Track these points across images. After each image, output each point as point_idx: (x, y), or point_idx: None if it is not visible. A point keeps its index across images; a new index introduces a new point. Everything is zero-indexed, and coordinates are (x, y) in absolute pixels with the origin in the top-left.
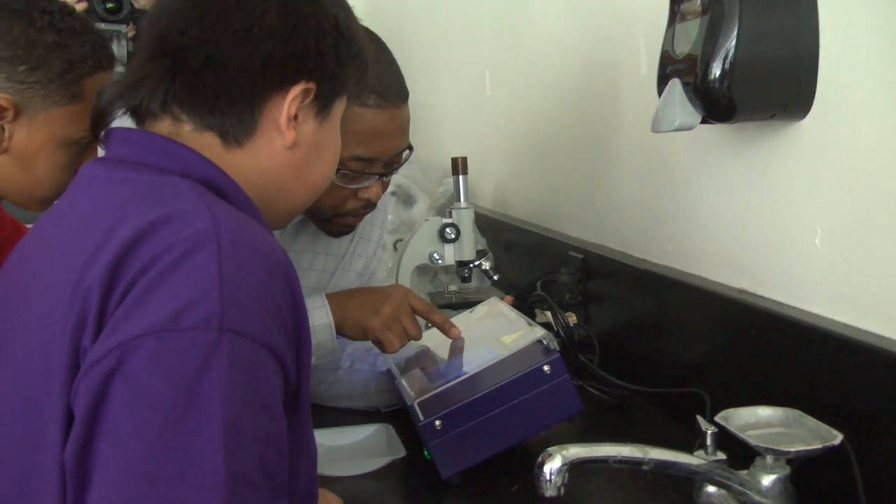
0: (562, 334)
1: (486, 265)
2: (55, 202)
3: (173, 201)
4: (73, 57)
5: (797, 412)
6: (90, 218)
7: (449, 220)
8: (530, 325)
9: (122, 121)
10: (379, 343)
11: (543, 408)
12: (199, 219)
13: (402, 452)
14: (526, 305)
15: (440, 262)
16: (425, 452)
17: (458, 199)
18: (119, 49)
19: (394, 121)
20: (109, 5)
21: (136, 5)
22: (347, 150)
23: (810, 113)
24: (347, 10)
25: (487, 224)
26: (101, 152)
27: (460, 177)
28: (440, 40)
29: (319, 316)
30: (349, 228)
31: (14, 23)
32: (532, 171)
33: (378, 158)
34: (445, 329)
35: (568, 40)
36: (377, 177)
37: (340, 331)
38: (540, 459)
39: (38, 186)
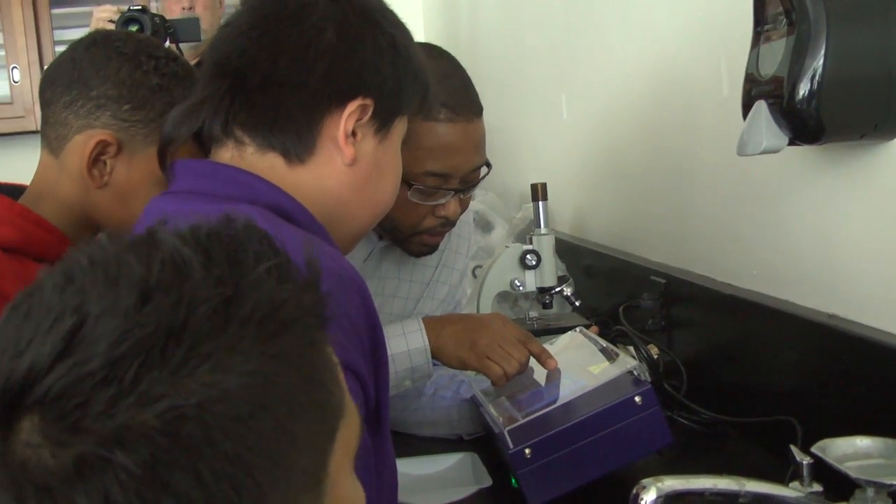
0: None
1: (568, 291)
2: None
3: None
4: (175, 99)
5: None
6: None
7: (529, 247)
8: (620, 355)
9: None
10: (482, 373)
11: (634, 439)
12: None
13: (488, 481)
14: (609, 335)
15: (521, 288)
16: (513, 481)
17: (539, 226)
18: None
19: (466, 135)
20: (133, 28)
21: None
22: (421, 166)
23: None
24: (405, 32)
25: (567, 249)
26: None
27: (540, 203)
28: (515, 66)
29: (415, 340)
30: (430, 248)
31: (123, 65)
32: (611, 195)
33: (452, 174)
34: (542, 359)
35: (646, 63)
36: (453, 193)
37: (437, 357)
38: (635, 491)
39: (132, 222)
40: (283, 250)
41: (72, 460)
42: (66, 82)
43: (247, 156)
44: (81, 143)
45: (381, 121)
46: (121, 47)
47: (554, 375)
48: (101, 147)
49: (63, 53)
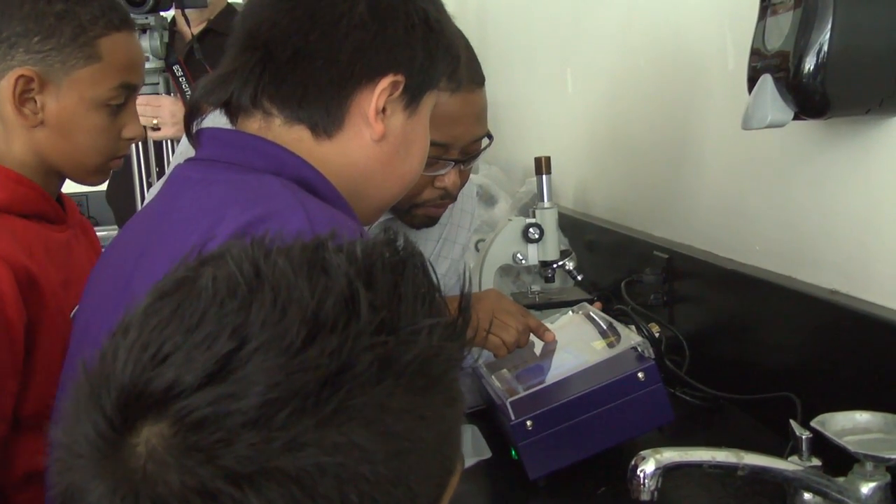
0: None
1: (570, 265)
2: (148, 203)
3: (268, 201)
4: (82, 20)
5: None
6: (187, 220)
7: (532, 220)
8: (623, 331)
9: (217, 119)
10: (481, 346)
11: (635, 415)
12: (294, 217)
13: (487, 453)
14: (611, 314)
15: (523, 262)
16: (512, 453)
17: (542, 199)
18: (152, 41)
19: (467, 105)
20: None
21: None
22: None
23: None
24: (438, 5)
25: (570, 224)
26: (187, 150)
27: (543, 176)
28: (521, 41)
29: None
30: (430, 221)
31: (24, 1)
32: (615, 169)
33: (453, 144)
34: (539, 332)
35: (651, 37)
36: (453, 163)
37: None
38: (633, 462)
39: (84, 154)
40: (434, 279)
41: (200, 491)
42: None
43: (274, 127)
44: (6, 86)
45: (411, 96)
46: None
47: (550, 347)
48: (24, 83)
49: None
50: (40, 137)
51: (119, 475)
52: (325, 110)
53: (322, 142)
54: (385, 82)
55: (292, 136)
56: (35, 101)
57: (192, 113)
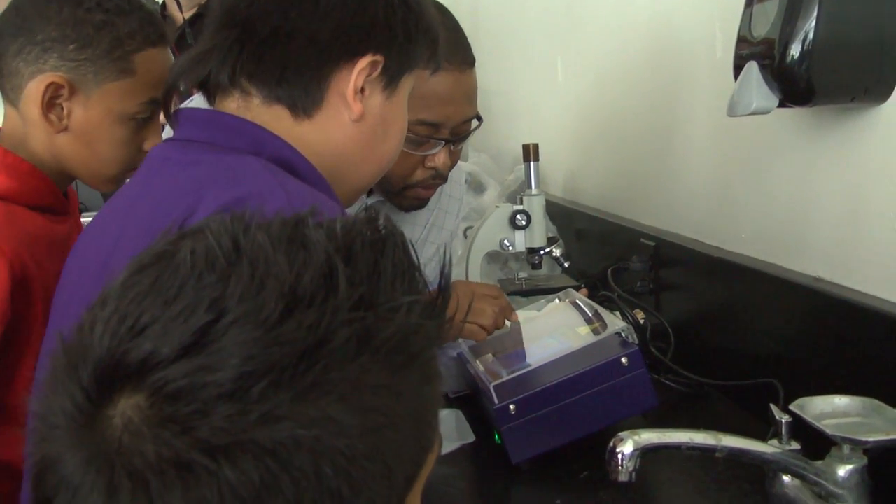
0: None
1: (557, 252)
2: (126, 183)
3: (248, 181)
4: (120, 34)
5: (875, 401)
6: (166, 201)
7: (520, 207)
8: (609, 317)
9: (199, 101)
10: (460, 336)
11: (619, 400)
12: (275, 198)
13: (471, 437)
14: (596, 300)
15: (511, 248)
16: (496, 437)
17: (530, 186)
18: None
19: (458, 84)
20: None
21: None
22: (412, 114)
23: (892, 96)
24: None
25: (558, 211)
26: (169, 131)
27: (531, 163)
28: (513, 29)
29: None
30: (420, 202)
31: (63, 5)
32: (603, 158)
33: (443, 123)
34: (507, 313)
35: (640, 25)
36: (443, 143)
37: None
38: (612, 444)
39: (103, 163)
40: (415, 257)
41: (175, 462)
42: (13, 32)
43: (253, 107)
44: (35, 90)
45: (390, 77)
46: None
47: (515, 328)
48: (54, 90)
49: (8, 4)
50: (62, 143)
51: (95, 446)
52: (303, 89)
53: (301, 121)
54: (364, 62)
55: (271, 115)
56: (62, 108)
57: (169, 93)
